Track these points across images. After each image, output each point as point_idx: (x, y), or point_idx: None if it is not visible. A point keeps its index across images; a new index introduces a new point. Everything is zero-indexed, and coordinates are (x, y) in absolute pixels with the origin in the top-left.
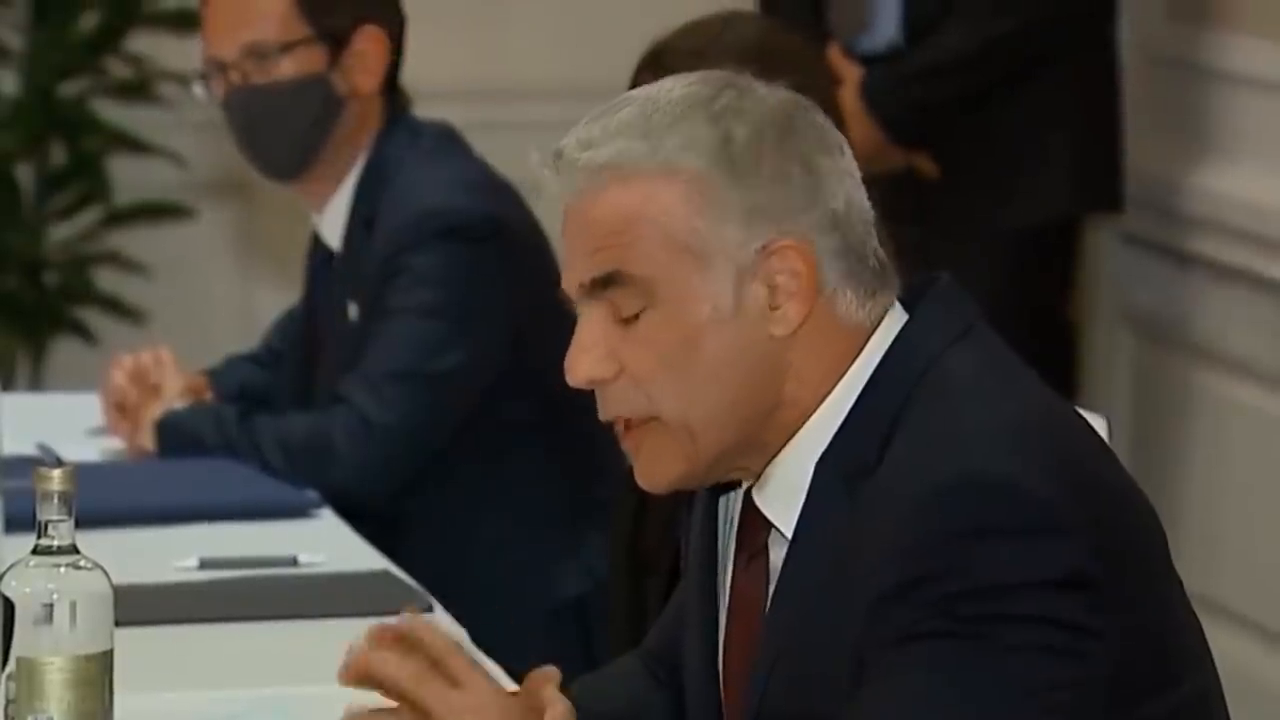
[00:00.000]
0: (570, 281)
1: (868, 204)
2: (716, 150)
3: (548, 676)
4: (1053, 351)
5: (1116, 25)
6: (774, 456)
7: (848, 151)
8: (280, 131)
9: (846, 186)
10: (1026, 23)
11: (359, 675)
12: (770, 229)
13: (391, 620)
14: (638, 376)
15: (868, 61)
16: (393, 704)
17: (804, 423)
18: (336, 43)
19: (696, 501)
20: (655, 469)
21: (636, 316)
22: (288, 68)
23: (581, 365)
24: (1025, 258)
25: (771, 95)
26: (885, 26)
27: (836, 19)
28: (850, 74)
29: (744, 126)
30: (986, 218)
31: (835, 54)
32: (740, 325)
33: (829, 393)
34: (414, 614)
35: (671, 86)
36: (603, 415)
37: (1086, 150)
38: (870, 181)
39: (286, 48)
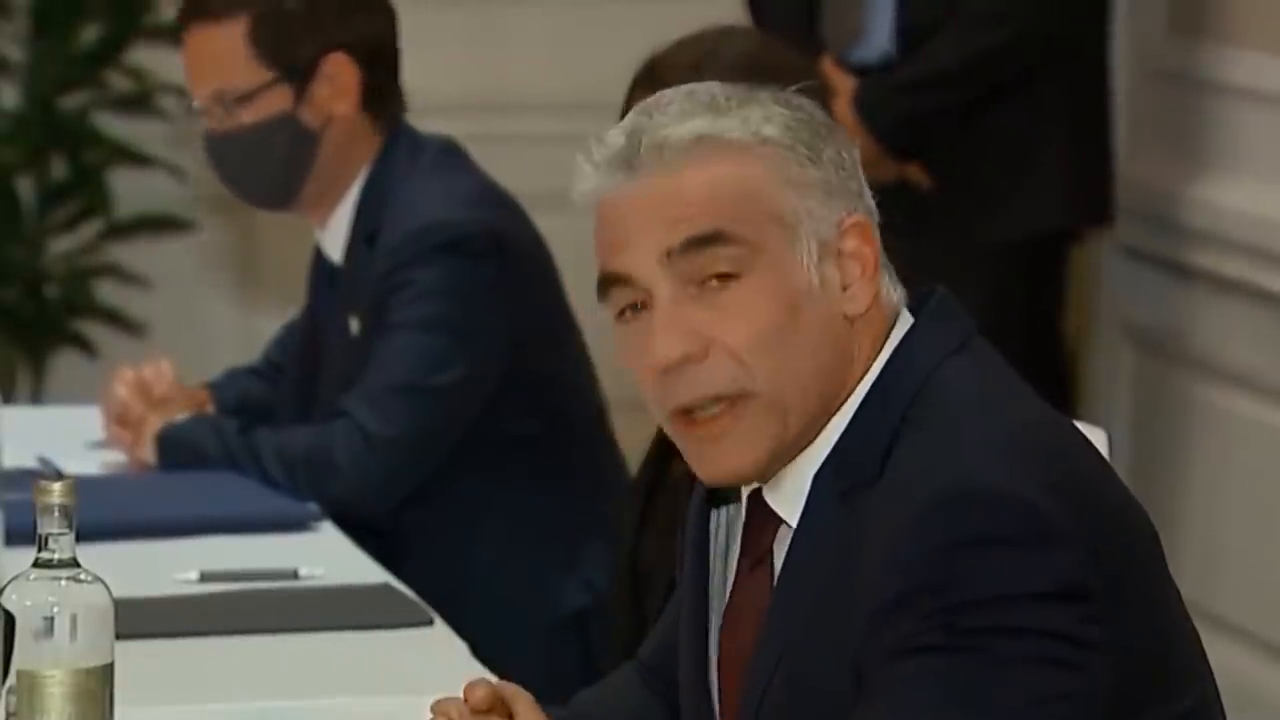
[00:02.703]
0: (642, 258)
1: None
2: (793, 127)
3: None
4: (1047, 364)
5: (1110, 38)
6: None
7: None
8: (258, 172)
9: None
10: (1020, 34)
11: None
12: (843, 206)
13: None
14: (733, 348)
15: (861, 72)
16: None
17: (828, 422)
18: (302, 76)
19: (689, 512)
20: (740, 451)
21: (725, 280)
22: (251, 113)
23: (668, 343)
24: (1017, 270)
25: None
26: (879, 37)
27: (830, 29)
28: (843, 85)
29: (801, 112)
30: (979, 230)
31: (829, 65)
32: (825, 301)
33: (851, 393)
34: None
35: (705, 87)
36: (683, 398)
37: (1079, 163)
38: None
39: (247, 97)
